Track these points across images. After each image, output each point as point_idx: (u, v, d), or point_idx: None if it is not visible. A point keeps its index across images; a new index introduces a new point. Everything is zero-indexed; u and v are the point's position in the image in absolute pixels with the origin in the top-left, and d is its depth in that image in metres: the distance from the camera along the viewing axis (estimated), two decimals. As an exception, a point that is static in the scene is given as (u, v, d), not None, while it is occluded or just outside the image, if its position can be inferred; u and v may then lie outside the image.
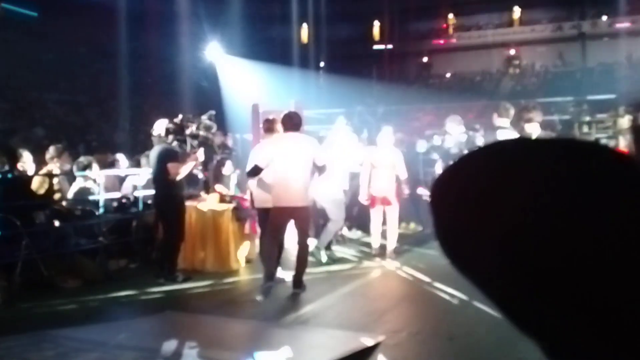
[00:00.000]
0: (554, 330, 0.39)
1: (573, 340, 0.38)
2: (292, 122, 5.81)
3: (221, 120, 7.49)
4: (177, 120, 6.73)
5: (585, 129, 11.92)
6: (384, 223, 7.75)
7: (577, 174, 0.39)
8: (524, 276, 0.39)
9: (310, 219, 6.11)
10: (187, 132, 6.72)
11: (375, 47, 25.84)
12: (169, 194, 6.40)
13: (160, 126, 6.66)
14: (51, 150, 7.70)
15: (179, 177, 6.40)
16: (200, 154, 6.67)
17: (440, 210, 0.44)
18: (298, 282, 5.80)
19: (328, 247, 7.60)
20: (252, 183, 6.47)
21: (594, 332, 0.37)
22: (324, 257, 7.41)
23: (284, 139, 5.84)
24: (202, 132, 6.84)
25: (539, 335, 0.40)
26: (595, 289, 0.36)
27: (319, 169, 5.92)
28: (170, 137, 6.56)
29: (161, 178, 6.38)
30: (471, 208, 0.42)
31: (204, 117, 7.21)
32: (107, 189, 7.66)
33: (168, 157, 6.38)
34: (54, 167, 7.47)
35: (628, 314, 0.36)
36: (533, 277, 0.38)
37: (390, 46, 25.38)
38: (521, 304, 0.40)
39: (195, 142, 6.77)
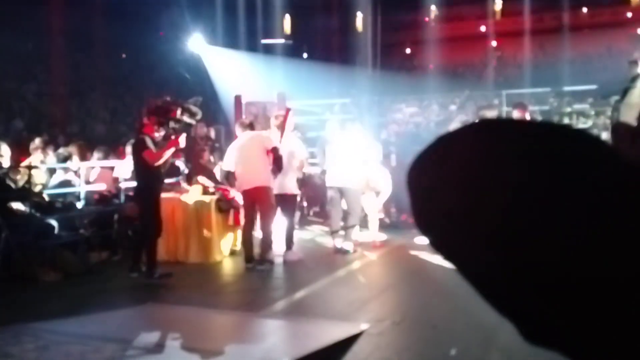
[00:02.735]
0: (531, 312, 0.39)
1: (549, 323, 0.38)
2: (245, 124, 7.18)
3: (205, 112, 7.39)
4: (161, 102, 6.39)
5: (566, 119, 12.01)
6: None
7: (558, 158, 0.38)
8: (502, 259, 0.38)
9: (271, 204, 6.74)
10: (172, 115, 6.27)
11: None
12: (145, 187, 6.09)
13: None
14: (37, 141, 7.67)
15: (157, 164, 6.03)
16: (182, 139, 6.24)
17: (415, 191, 0.44)
18: (259, 260, 6.57)
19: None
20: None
21: (572, 316, 0.37)
22: (349, 246, 7.44)
23: (240, 138, 7.03)
24: (186, 118, 6.40)
25: (515, 318, 0.40)
26: (575, 273, 0.36)
27: (274, 155, 6.73)
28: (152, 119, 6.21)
29: (137, 170, 6.19)
30: (447, 189, 0.41)
31: (190, 102, 6.73)
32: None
33: (141, 146, 6.04)
34: (39, 157, 7.41)
35: (605, 297, 0.36)
36: (511, 260, 0.38)
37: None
38: (499, 286, 0.40)
39: (178, 127, 6.32)
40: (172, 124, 6.27)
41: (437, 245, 0.42)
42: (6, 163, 7.03)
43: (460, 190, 0.40)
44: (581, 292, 0.36)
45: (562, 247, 0.36)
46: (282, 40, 25.00)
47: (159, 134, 6.21)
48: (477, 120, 0.44)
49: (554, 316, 0.37)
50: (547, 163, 0.38)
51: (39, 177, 7.32)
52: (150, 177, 6.05)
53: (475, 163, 0.40)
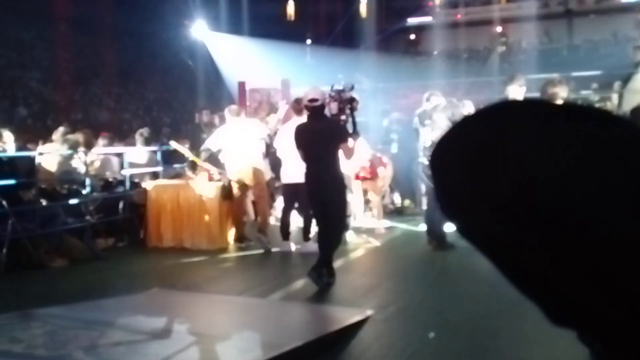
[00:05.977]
0: (555, 291, 0.38)
1: (574, 302, 0.38)
2: (235, 112, 7.43)
3: (209, 98, 7.32)
4: (336, 92, 5.45)
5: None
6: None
7: (575, 135, 0.38)
8: (524, 236, 0.38)
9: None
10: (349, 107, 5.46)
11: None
12: (341, 179, 5.34)
13: (313, 92, 5.43)
14: (60, 129, 7.72)
15: (349, 160, 5.45)
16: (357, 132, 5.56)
17: (440, 172, 0.43)
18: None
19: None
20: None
21: (595, 294, 0.37)
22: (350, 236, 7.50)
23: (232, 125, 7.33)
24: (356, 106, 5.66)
25: (540, 297, 0.40)
26: (598, 250, 0.36)
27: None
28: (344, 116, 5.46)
29: (332, 158, 5.24)
30: (470, 169, 0.40)
31: (347, 89, 5.67)
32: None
33: (343, 135, 5.29)
34: (59, 146, 7.44)
35: (626, 273, 0.36)
36: (532, 237, 0.38)
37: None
38: (520, 264, 0.40)
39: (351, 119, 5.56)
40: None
41: (464, 229, 0.42)
42: (10, 150, 7.05)
43: (490, 171, 0.39)
44: (619, 280, 0.36)
45: (600, 225, 0.36)
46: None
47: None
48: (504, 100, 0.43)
49: (581, 298, 0.37)
50: (582, 144, 0.38)
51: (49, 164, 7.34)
52: (339, 168, 5.36)
53: (505, 144, 0.39)
